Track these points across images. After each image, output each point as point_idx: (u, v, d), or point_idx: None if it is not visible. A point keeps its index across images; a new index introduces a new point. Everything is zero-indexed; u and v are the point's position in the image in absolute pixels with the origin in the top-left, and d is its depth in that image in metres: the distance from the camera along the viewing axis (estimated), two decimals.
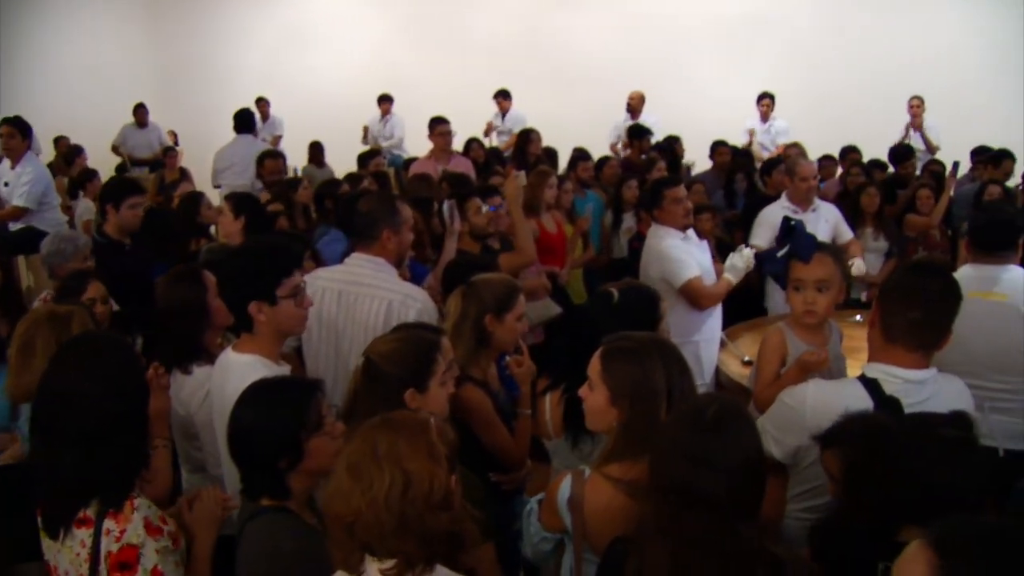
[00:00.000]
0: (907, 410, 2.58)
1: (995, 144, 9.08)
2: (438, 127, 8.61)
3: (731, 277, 4.84)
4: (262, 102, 12.63)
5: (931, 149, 10.33)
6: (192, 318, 3.49)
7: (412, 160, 9.57)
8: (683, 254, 4.97)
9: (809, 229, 5.67)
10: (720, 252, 5.44)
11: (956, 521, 1.58)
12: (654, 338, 2.71)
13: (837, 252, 3.28)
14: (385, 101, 12.39)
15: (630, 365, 2.52)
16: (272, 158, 7.96)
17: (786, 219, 3.35)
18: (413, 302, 3.72)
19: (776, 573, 2.07)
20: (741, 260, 4.83)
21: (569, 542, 2.59)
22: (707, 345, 5.02)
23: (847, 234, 6.34)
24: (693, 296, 4.87)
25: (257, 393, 2.52)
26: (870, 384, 2.67)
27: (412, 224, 4.04)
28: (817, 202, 6.29)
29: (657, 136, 9.96)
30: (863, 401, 2.62)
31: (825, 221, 6.14)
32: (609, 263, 7.43)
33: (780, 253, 3.22)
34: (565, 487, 2.50)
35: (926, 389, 2.71)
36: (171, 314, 3.52)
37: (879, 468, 2.22)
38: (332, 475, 2.06)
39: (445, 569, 2.04)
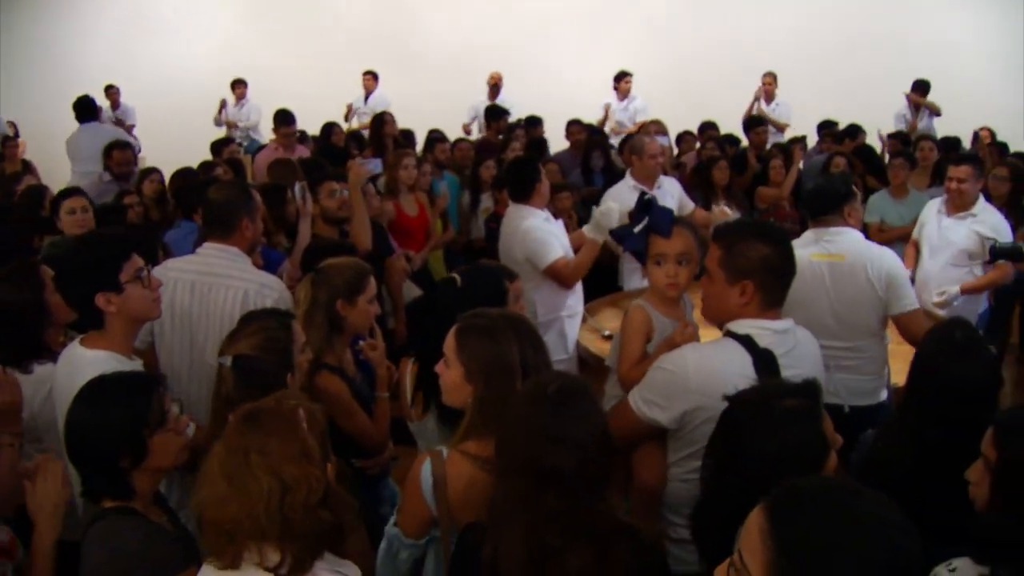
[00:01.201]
0: (780, 359, 2.64)
1: (844, 117, 9.46)
2: (283, 128, 8.48)
3: (596, 236, 4.78)
4: (112, 90, 12.18)
5: (779, 128, 10.64)
6: (28, 316, 3.35)
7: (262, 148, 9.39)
8: (547, 235, 4.98)
9: None
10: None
11: (785, 486, 1.61)
12: (508, 314, 2.73)
13: (693, 225, 3.32)
14: (239, 86, 12.03)
15: (484, 341, 2.53)
16: (121, 148, 7.63)
17: (642, 195, 3.37)
18: (269, 291, 3.66)
19: (634, 546, 2.12)
20: (603, 216, 4.75)
21: (435, 544, 2.57)
22: (570, 320, 5.07)
23: (689, 206, 6.49)
24: (560, 276, 4.91)
25: (94, 390, 2.43)
26: (744, 340, 2.71)
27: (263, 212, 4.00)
28: (661, 178, 6.40)
29: (514, 117, 10.03)
30: (742, 356, 2.66)
31: (670, 196, 6.25)
32: (467, 244, 7.48)
33: (637, 229, 3.19)
34: (426, 471, 2.47)
35: (791, 338, 2.80)
36: (5, 312, 3.38)
37: (725, 435, 2.29)
38: (205, 476, 2.02)
39: (330, 555, 2.05)
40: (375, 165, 5.58)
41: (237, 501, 1.92)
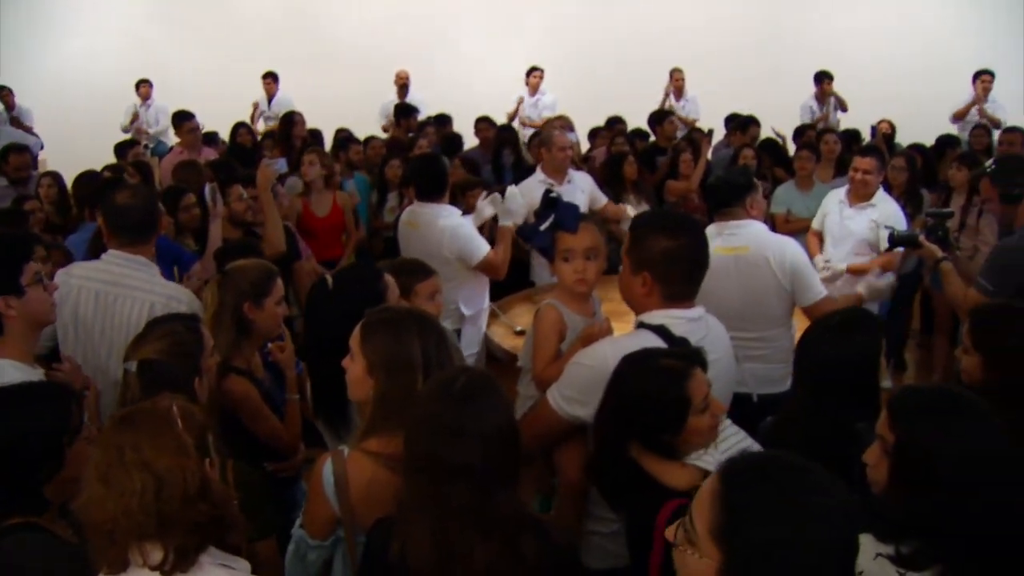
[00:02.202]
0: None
1: (752, 111, 9.64)
2: (185, 124, 8.34)
3: (506, 220, 4.91)
4: (5, 91, 11.74)
5: (686, 123, 10.77)
6: None
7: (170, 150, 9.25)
8: (473, 230, 5.01)
9: (566, 200, 5.90)
10: None
11: (744, 456, 1.69)
12: (414, 311, 2.76)
13: (599, 220, 3.35)
14: (144, 86, 11.72)
15: (386, 335, 2.54)
16: (16, 152, 7.40)
17: (547, 192, 3.38)
18: (178, 304, 3.61)
19: (539, 537, 2.14)
20: (509, 200, 4.91)
21: (342, 544, 2.57)
22: (484, 314, 5.15)
23: (602, 200, 6.54)
24: (492, 268, 4.96)
25: (5, 400, 2.36)
26: (658, 330, 2.73)
27: None
28: (571, 173, 6.45)
29: (424, 115, 10.04)
30: (659, 347, 2.69)
31: (581, 191, 6.30)
32: (382, 243, 7.44)
33: (544, 226, 3.21)
34: (327, 470, 2.48)
35: (703, 325, 2.85)
36: None
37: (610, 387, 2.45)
38: (84, 481, 2.00)
39: (216, 550, 2.04)
40: (280, 165, 5.55)
41: (113, 500, 1.91)
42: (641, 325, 2.82)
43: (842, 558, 1.58)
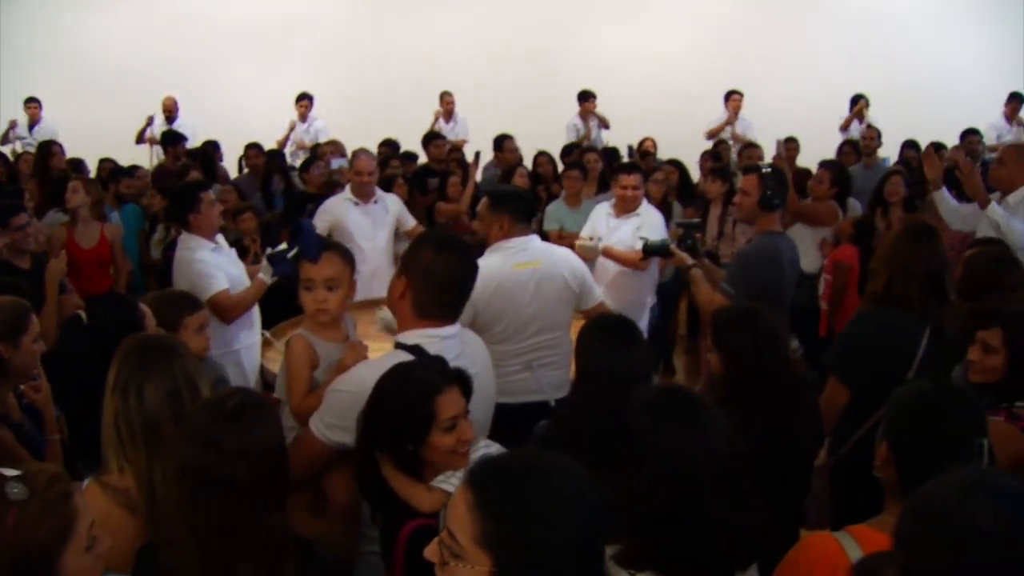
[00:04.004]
0: (452, 363, 2.69)
1: (519, 130, 9.97)
2: None
3: (264, 277, 4.73)
4: None
5: (456, 144, 10.96)
6: None
7: None
8: (211, 268, 4.85)
9: (372, 218, 5.97)
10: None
11: (484, 462, 1.73)
12: (165, 342, 2.75)
13: (345, 251, 3.31)
14: None
15: (116, 360, 2.56)
16: None
17: (295, 221, 3.38)
18: None
19: (305, 557, 2.17)
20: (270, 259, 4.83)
21: None
22: (247, 351, 5.03)
23: (410, 221, 6.75)
24: (219, 310, 4.76)
25: None
26: (413, 350, 2.78)
27: None
28: (379, 193, 6.62)
29: (194, 142, 9.88)
30: None
31: (387, 211, 6.54)
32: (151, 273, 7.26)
33: (290, 254, 3.22)
34: None
35: (458, 342, 2.94)
36: None
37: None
38: None
39: None
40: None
41: None
42: (397, 345, 2.89)
43: (592, 529, 1.67)
